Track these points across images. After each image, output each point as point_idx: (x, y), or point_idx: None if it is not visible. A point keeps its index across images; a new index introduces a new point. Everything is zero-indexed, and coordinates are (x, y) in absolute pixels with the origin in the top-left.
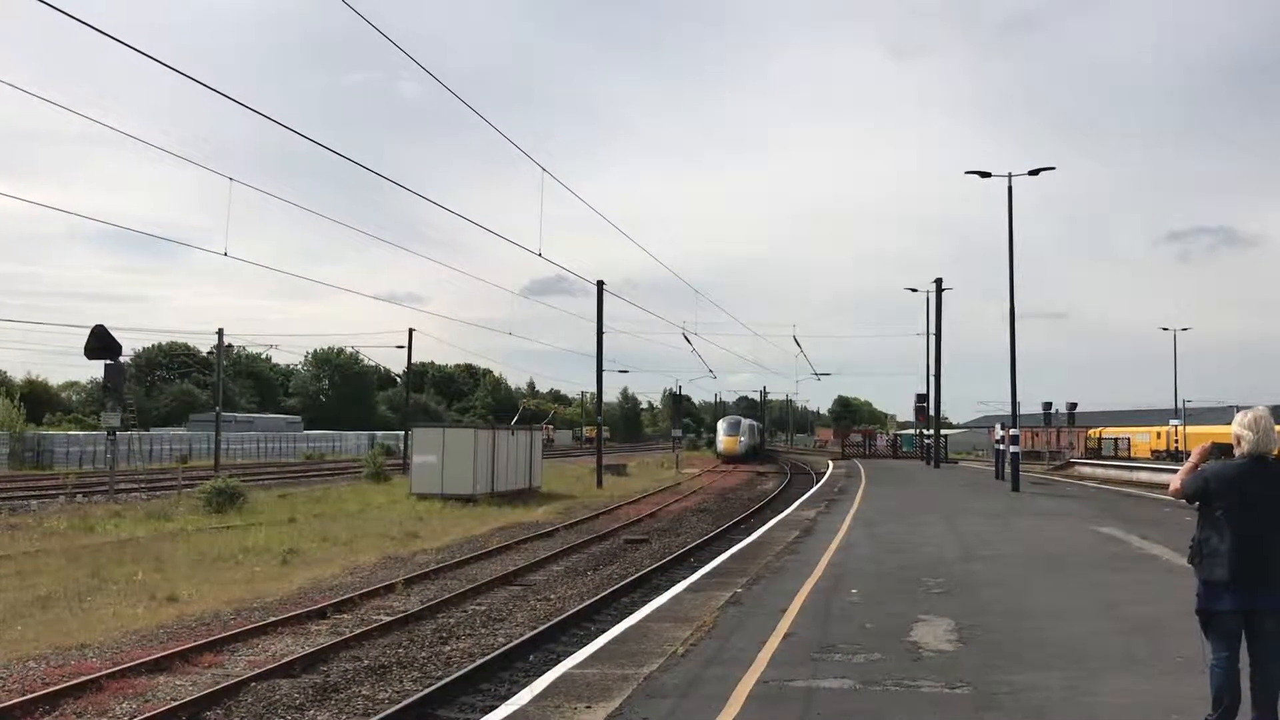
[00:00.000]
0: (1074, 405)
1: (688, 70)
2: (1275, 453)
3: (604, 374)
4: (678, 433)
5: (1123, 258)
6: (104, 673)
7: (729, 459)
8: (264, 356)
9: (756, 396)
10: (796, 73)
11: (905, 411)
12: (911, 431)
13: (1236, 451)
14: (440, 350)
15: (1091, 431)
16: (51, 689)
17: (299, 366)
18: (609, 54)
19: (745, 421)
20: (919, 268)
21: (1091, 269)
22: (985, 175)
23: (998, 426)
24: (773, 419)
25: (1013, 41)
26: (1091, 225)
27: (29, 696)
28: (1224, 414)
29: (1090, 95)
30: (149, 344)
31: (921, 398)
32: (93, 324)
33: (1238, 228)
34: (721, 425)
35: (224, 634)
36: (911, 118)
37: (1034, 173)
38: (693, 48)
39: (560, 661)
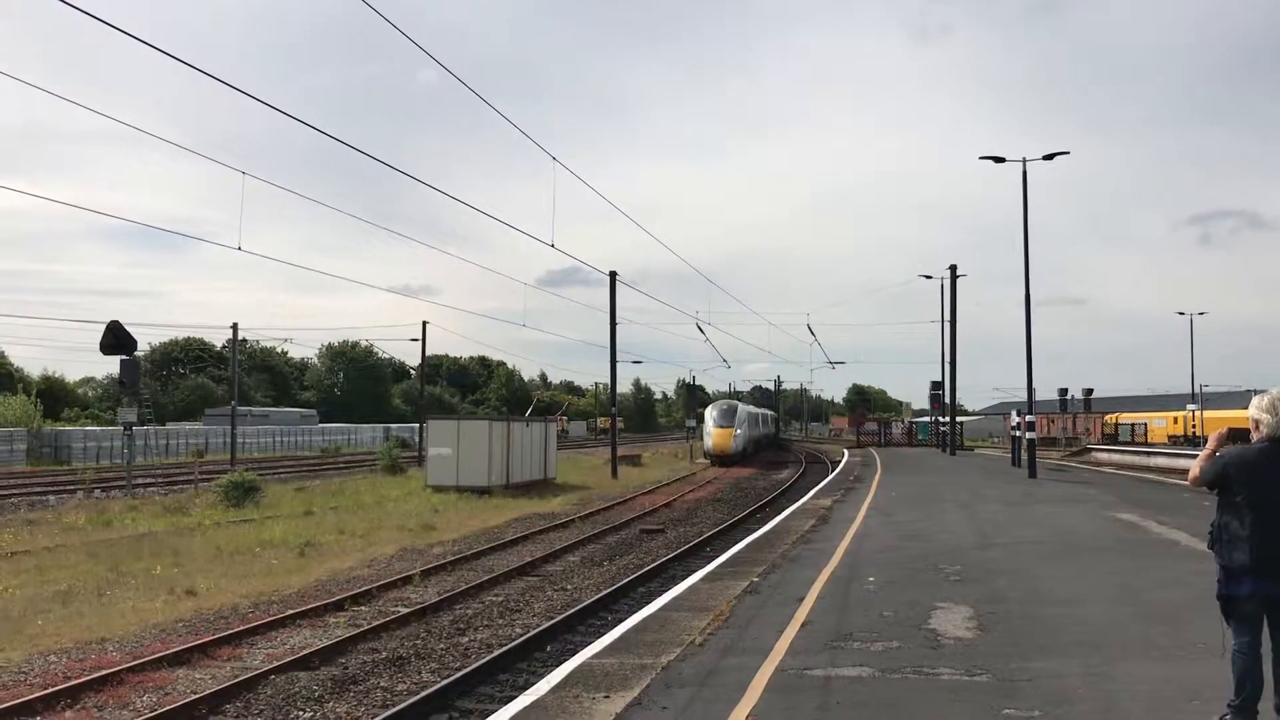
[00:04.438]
0: (1090, 391)
1: (701, 56)
2: None
3: (617, 365)
4: (691, 423)
5: (1142, 242)
6: (124, 666)
7: (720, 460)
8: (279, 350)
9: (771, 386)
10: (813, 57)
11: (920, 399)
12: (927, 419)
13: (1254, 435)
14: (454, 342)
15: (1108, 417)
16: (72, 683)
17: (314, 360)
18: (622, 42)
19: (744, 409)
20: (935, 254)
21: (1110, 254)
22: (999, 160)
23: (1014, 413)
24: (788, 408)
25: (1034, 25)
26: (1112, 210)
27: (51, 690)
28: (1241, 398)
29: (1111, 78)
30: (164, 339)
31: (936, 385)
32: (108, 320)
33: (1260, 210)
34: (710, 413)
35: (242, 627)
36: (930, 102)
37: (1048, 157)
38: (707, 33)
39: (578, 652)
